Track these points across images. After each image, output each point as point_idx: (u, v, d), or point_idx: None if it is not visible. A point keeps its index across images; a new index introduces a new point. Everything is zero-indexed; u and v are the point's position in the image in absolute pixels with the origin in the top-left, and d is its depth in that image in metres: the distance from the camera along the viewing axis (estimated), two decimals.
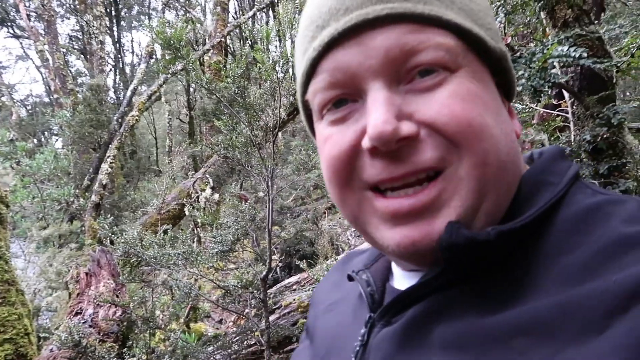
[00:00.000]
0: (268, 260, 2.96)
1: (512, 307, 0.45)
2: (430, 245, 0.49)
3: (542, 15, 1.38)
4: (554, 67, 0.96)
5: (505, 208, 0.52)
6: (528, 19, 1.44)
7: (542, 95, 0.98)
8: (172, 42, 2.74)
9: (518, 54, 1.09)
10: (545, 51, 0.97)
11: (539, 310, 0.42)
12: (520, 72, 0.99)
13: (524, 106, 1.64)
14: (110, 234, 2.90)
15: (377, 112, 0.47)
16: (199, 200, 5.98)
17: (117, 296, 3.92)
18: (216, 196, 6.01)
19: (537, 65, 0.97)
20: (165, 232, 3.49)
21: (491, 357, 0.43)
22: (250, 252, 3.32)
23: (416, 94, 0.49)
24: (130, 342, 3.68)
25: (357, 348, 0.56)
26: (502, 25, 1.10)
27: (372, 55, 0.48)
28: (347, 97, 0.52)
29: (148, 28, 2.95)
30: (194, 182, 6.44)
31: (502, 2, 1.13)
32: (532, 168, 0.55)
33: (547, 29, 1.41)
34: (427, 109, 0.48)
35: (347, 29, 0.49)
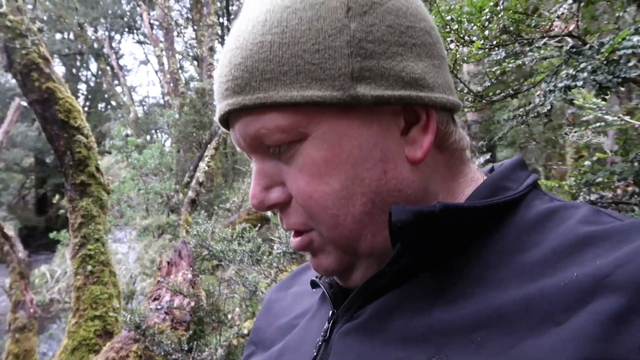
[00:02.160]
0: None
1: (472, 301, 0.46)
2: (326, 271, 0.58)
3: (632, 9, 1.18)
4: (628, 60, 0.80)
5: None
6: (617, 14, 1.24)
7: (608, 92, 0.82)
8: None
9: (587, 46, 0.93)
10: (612, 41, 0.81)
11: (499, 304, 0.44)
12: (582, 65, 0.84)
13: (614, 118, 1.42)
14: (187, 227, 3.01)
15: (252, 185, 0.56)
16: None
17: (193, 287, 4.09)
18: None
19: (602, 57, 0.81)
20: (244, 229, 3.58)
21: (451, 349, 0.44)
22: None
23: (284, 163, 0.54)
24: (201, 332, 3.81)
25: (319, 343, 0.58)
26: (570, 13, 0.95)
27: (239, 140, 0.56)
28: None
29: None
30: None
31: None
32: (490, 176, 0.57)
33: None
34: (288, 181, 0.54)
35: (219, 120, 0.57)
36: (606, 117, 1.53)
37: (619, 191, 1.12)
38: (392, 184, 0.53)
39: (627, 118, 1.48)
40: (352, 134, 0.51)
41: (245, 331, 4.10)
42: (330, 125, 0.51)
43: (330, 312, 0.60)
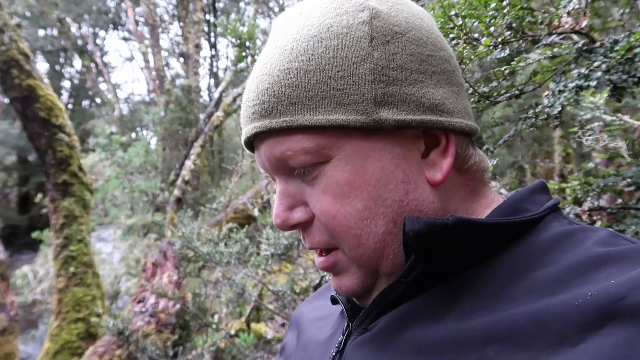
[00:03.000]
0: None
1: (485, 314, 0.46)
2: (347, 292, 0.59)
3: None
4: None
5: None
6: (621, 10, 1.19)
7: (623, 93, 0.77)
8: (242, 38, 2.72)
9: (598, 44, 0.88)
10: (630, 38, 0.76)
11: (512, 319, 0.43)
12: (596, 64, 0.79)
13: (613, 118, 1.38)
14: (171, 228, 2.93)
15: (275, 205, 0.58)
16: (270, 202, 6.02)
17: (178, 289, 4.01)
18: None
19: (618, 55, 0.76)
20: (231, 230, 3.51)
21: None
22: (306, 258, 3.22)
23: (307, 184, 0.56)
24: (186, 334, 3.73)
25: (333, 354, 0.60)
26: (579, 9, 0.90)
27: (263, 162, 0.58)
28: None
29: (221, 26, 2.97)
30: (267, 183, 6.50)
31: None
32: (509, 197, 0.58)
33: None
34: (311, 202, 0.56)
35: (245, 142, 0.59)
36: (604, 116, 1.48)
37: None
38: (413, 204, 0.55)
39: (626, 118, 1.44)
40: (375, 156, 0.54)
41: (233, 332, 4.02)
42: (353, 147, 0.53)
43: (345, 325, 0.62)
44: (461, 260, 0.52)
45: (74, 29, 18.02)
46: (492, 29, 0.90)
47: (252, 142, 0.59)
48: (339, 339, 0.61)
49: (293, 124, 0.52)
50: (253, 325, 5.62)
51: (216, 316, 3.95)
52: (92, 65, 18.58)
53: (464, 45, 0.89)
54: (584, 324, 0.39)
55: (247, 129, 0.57)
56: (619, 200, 1.04)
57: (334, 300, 0.69)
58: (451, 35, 0.94)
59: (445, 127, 0.55)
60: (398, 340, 0.51)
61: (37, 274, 8.87)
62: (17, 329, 5.46)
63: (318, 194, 0.55)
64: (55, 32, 19.85)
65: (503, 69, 0.91)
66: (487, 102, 0.95)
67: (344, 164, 0.53)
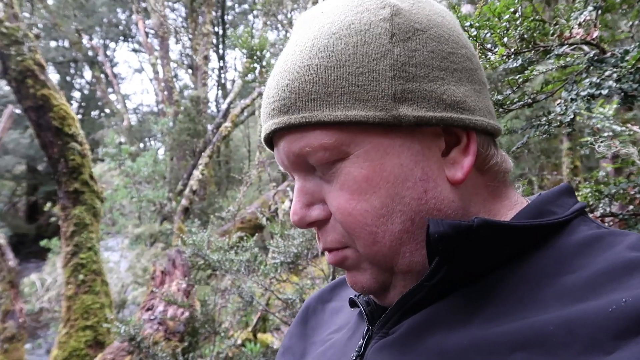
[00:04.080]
0: (331, 277, 2.85)
1: (511, 320, 0.45)
2: (363, 288, 0.58)
3: None
4: None
5: None
6: (630, 22, 1.23)
7: (634, 102, 0.80)
8: (253, 50, 2.78)
9: (609, 54, 0.91)
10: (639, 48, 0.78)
11: (540, 325, 0.42)
12: (607, 73, 0.82)
13: (622, 128, 1.40)
14: (182, 236, 2.97)
15: (293, 202, 0.58)
16: (277, 212, 6.05)
17: (187, 297, 4.03)
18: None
19: (629, 64, 0.78)
20: (241, 238, 3.53)
21: None
22: (315, 268, 3.24)
23: (325, 181, 0.56)
24: (195, 342, 3.74)
25: (354, 358, 0.58)
26: (590, 20, 0.93)
27: (282, 159, 0.58)
28: None
29: (233, 38, 3.03)
30: (275, 193, 6.54)
31: None
32: (534, 200, 0.57)
33: None
34: (329, 199, 0.56)
35: (264, 139, 0.59)
36: (614, 126, 1.51)
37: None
38: (432, 203, 0.54)
39: (635, 128, 1.46)
40: (394, 153, 0.53)
41: (240, 341, 4.03)
42: (372, 144, 0.53)
43: (365, 329, 0.60)
44: (486, 263, 0.51)
45: (85, 40, 18.28)
46: (505, 39, 0.93)
47: (272, 139, 0.58)
48: (359, 342, 0.59)
49: (312, 119, 0.52)
50: (259, 335, 5.61)
51: (223, 325, 3.96)
52: (102, 76, 18.81)
53: (479, 55, 0.92)
54: (617, 332, 0.38)
55: (267, 126, 0.57)
56: (630, 207, 1.06)
57: (352, 303, 0.67)
58: None
59: (467, 125, 0.54)
60: (421, 345, 0.50)
61: (45, 282, 8.92)
62: (25, 337, 5.49)
63: (335, 191, 0.54)
64: (66, 43, 20.14)
65: (517, 77, 0.94)
66: (500, 109, 0.98)
67: (362, 161, 0.53)
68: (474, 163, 0.55)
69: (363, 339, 0.59)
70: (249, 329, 5.36)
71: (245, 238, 3.13)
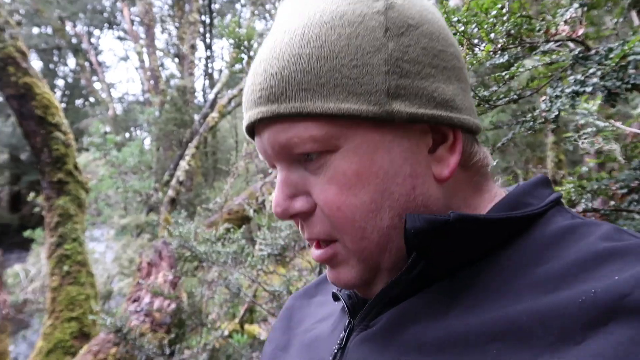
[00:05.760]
0: (318, 270, 2.86)
1: (488, 310, 0.46)
2: (346, 285, 0.58)
3: (634, 15, 1.17)
4: (636, 67, 0.79)
5: None
6: (615, 20, 1.24)
7: (617, 99, 0.81)
8: (240, 40, 2.75)
9: (593, 51, 0.92)
10: (624, 47, 0.79)
11: (514, 316, 0.43)
12: (592, 71, 0.82)
13: (606, 124, 1.42)
14: (168, 227, 2.95)
15: (276, 193, 0.57)
16: (264, 203, 6.03)
17: (174, 288, 4.01)
18: None
19: (612, 62, 0.79)
20: (228, 230, 3.52)
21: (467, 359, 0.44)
22: (302, 260, 3.25)
23: (311, 173, 0.55)
24: (181, 334, 3.74)
25: (335, 351, 0.59)
26: (576, 17, 0.93)
27: (265, 148, 0.56)
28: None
29: (220, 27, 3.00)
30: (262, 185, 6.52)
31: None
32: (511, 192, 0.57)
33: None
34: (315, 191, 0.54)
35: (246, 127, 0.57)
36: (597, 122, 1.53)
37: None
38: (419, 199, 0.54)
39: (618, 124, 1.48)
40: (384, 148, 0.53)
41: (227, 332, 4.03)
42: (363, 138, 0.52)
43: (347, 321, 0.61)
44: (463, 256, 0.52)
45: (68, 27, 17.94)
46: (492, 35, 0.93)
47: (254, 128, 0.57)
48: (341, 335, 0.60)
49: (303, 110, 0.51)
50: (247, 326, 5.62)
51: (210, 316, 3.96)
52: (87, 64, 18.50)
53: (466, 50, 0.92)
54: (587, 322, 0.39)
55: (252, 114, 0.55)
56: (612, 203, 1.08)
57: (335, 297, 0.67)
58: None
59: (454, 124, 0.54)
60: (400, 337, 0.51)
61: (29, 273, 8.82)
62: (9, 328, 5.43)
63: (323, 184, 0.53)
64: (49, 30, 19.76)
65: (504, 74, 0.95)
66: (486, 105, 0.99)
67: (352, 155, 0.52)
68: (459, 161, 0.55)
69: (345, 332, 0.59)
70: (236, 320, 5.37)
71: (232, 230, 3.13)
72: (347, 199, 0.52)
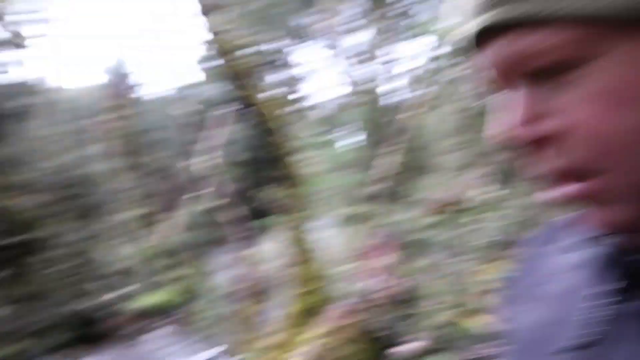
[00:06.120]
0: None
1: None
2: (617, 227, 0.46)
3: None
4: None
5: None
6: None
7: None
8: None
9: None
10: None
11: None
12: None
13: None
14: (387, 217, 3.26)
15: (509, 115, 0.46)
16: (472, 198, 6.08)
17: (395, 272, 4.48)
18: (492, 195, 5.94)
19: None
20: (448, 218, 3.71)
21: None
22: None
23: (557, 90, 0.44)
24: (406, 315, 4.09)
25: (593, 318, 0.48)
26: None
27: (497, 62, 0.46)
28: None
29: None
30: (469, 180, 6.58)
31: None
32: None
33: None
34: (567, 110, 0.43)
35: (467, 39, 0.47)
36: None
37: None
38: None
39: None
40: None
41: (450, 319, 4.16)
42: (626, 48, 0.41)
43: (615, 286, 0.48)
44: None
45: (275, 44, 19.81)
46: None
47: (477, 40, 0.46)
48: (604, 302, 0.48)
49: (552, 12, 0.41)
50: (475, 316, 5.56)
51: (431, 300, 4.23)
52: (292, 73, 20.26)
53: None
54: None
55: (479, 21, 0.44)
56: None
57: (593, 250, 0.53)
58: None
59: None
60: None
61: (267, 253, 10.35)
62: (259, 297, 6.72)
63: (576, 102, 0.43)
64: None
65: None
66: None
67: (615, 65, 0.41)
68: None
69: (610, 298, 0.48)
70: (459, 309, 5.42)
71: (454, 217, 3.31)
72: (613, 119, 0.42)
